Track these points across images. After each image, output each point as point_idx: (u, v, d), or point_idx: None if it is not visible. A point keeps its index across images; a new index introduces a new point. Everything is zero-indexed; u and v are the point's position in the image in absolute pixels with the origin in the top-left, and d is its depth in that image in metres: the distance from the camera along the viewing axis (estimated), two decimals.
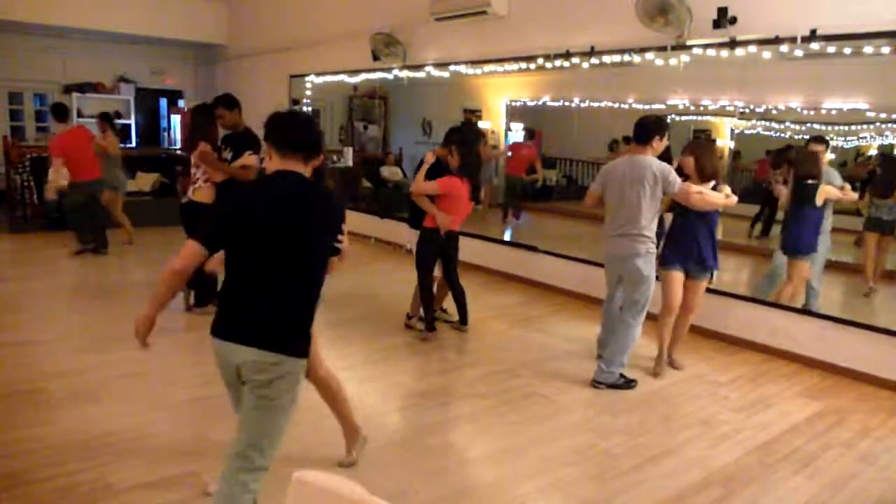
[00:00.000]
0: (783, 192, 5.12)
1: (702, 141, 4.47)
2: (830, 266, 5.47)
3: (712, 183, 4.26)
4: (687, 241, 4.31)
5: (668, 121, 4.56)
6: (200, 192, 5.03)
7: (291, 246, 2.16)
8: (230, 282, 2.23)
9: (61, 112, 7.45)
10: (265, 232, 2.14)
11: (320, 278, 2.26)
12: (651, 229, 4.16)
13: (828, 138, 5.23)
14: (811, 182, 4.83)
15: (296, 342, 2.21)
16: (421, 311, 5.12)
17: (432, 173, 4.83)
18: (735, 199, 4.27)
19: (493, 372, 4.45)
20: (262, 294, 2.15)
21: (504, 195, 8.69)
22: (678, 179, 4.10)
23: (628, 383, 4.27)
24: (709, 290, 5.48)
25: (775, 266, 5.26)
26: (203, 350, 4.92)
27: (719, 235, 6.28)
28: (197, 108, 5.43)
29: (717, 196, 4.20)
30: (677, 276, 4.36)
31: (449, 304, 5.44)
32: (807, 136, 5.84)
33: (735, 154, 6.40)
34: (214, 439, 3.29)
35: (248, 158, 5.00)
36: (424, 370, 4.50)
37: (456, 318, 5.30)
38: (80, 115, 11.04)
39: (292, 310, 2.19)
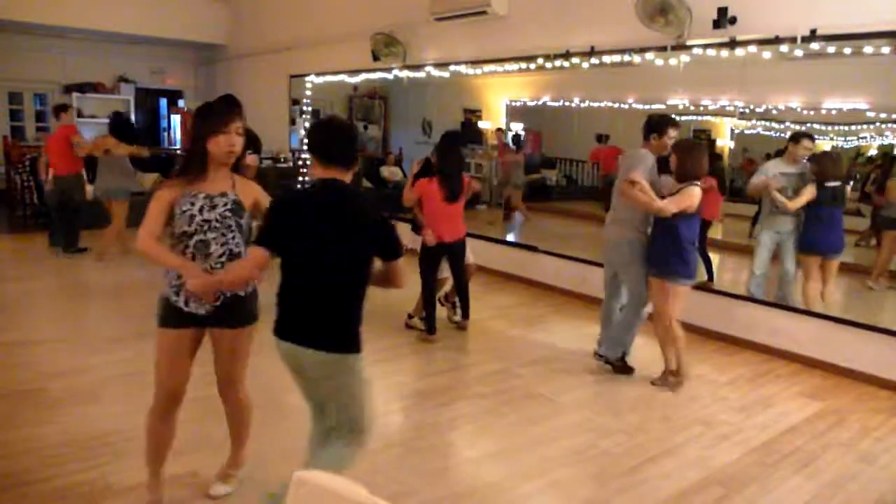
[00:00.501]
0: (756, 185, 5.11)
1: (688, 141, 4.41)
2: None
3: (696, 183, 4.05)
4: (653, 244, 4.21)
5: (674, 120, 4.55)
6: None
7: (334, 249, 2.26)
8: (285, 285, 2.33)
9: (56, 112, 7.47)
10: (312, 237, 2.26)
11: (366, 277, 2.34)
12: (637, 218, 4.20)
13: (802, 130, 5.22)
14: (835, 184, 4.88)
15: (348, 339, 2.30)
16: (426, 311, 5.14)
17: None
18: (672, 207, 3.93)
19: (493, 372, 4.45)
20: (315, 296, 2.28)
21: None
22: (629, 174, 4.06)
23: (625, 368, 4.36)
24: (709, 291, 5.51)
25: (787, 270, 5.18)
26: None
27: (719, 235, 6.26)
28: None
29: (641, 196, 4.01)
30: (651, 281, 4.25)
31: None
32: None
33: (743, 152, 6.42)
34: (215, 438, 3.28)
35: (249, 158, 5.04)
36: (424, 370, 4.50)
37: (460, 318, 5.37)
38: (80, 115, 11.03)
39: (340, 310, 2.30)
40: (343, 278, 2.28)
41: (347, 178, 2.36)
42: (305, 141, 2.39)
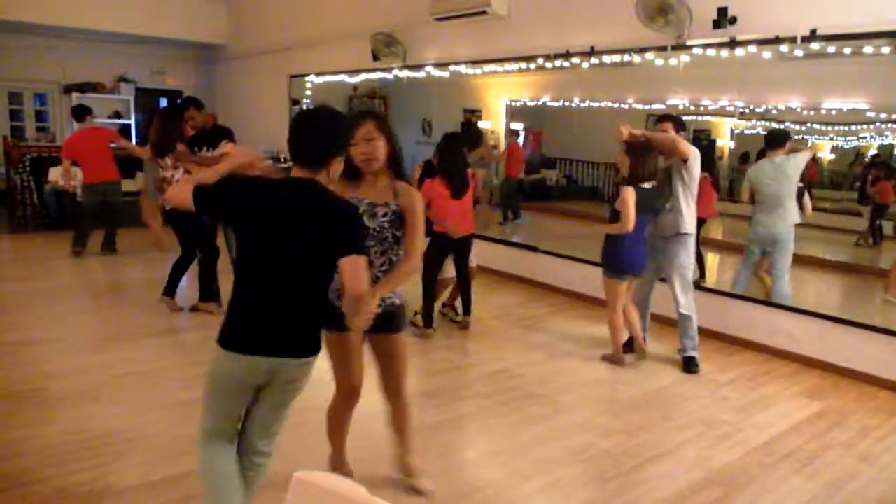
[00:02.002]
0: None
1: (640, 143, 4.43)
2: (830, 266, 5.48)
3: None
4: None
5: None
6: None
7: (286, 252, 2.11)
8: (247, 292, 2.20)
9: (77, 113, 7.50)
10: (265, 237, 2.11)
11: (325, 283, 2.21)
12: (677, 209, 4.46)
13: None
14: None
15: (312, 343, 2.24)
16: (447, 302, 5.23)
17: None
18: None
19: (494, 372, 4.45)
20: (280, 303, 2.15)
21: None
22: None
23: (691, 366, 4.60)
24: (708, 290, 5.51)
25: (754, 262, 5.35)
26: (203, 350, 4.95)
27: (719, 235, 6.27)
28: (166, 110, 5.51)
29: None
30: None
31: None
32: (807, 136, 5.84)
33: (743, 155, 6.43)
34: None
35: (228, 147, 5.16)
36: (425, 370, 4.50)
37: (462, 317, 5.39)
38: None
39: (305, 314, 2.19)
40: (304, 285, 2.15)
41: (323, 177, 2.14)
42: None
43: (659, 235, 4.55)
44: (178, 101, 5.57)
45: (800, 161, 5.09)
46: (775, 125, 5.66)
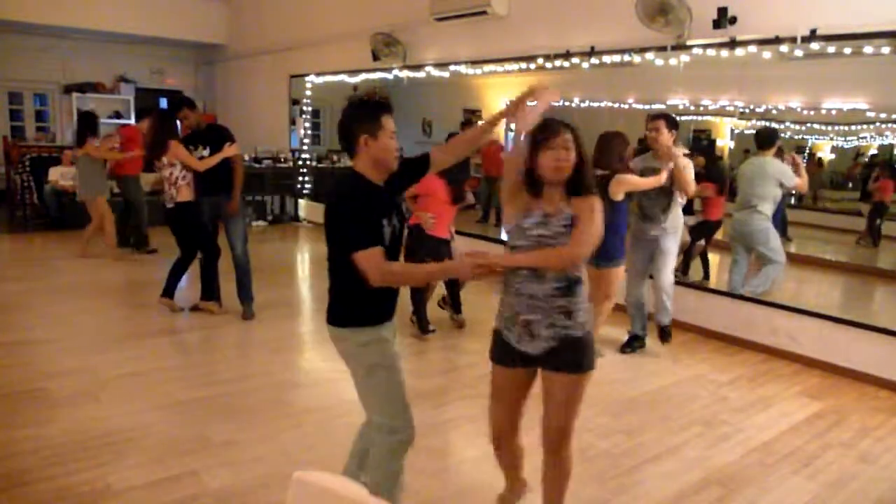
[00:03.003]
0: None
1: (606, 134, 4.45)
2: (830, 266, 5.48)
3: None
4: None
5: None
6: (182, 191, 5.16)
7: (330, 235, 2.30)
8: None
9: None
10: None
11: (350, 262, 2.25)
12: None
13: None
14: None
15: (340, 314, 2.35)
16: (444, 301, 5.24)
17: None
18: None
19: None
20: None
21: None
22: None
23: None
24: (708, 290, 5.51)
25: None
26: (203, 350, 4.96)
27: (720, 235, 6.27)
28: (161, 112, 5.55)
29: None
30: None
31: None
32: (807, 136, 5.85)
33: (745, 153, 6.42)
34: (214, 439, 3.29)
35: (232, 148, 5.23)
36: (424, 370, 4.50)
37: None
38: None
39: (338, 289, 2.36)
40: (337, 260, 2.31)
41: (358, 164, 2.30)
42: None
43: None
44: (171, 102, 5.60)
45: (782, 166, 5.04)
46: (775, 125, 5.66)
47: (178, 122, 5.34)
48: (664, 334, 4.89)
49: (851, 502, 3.03)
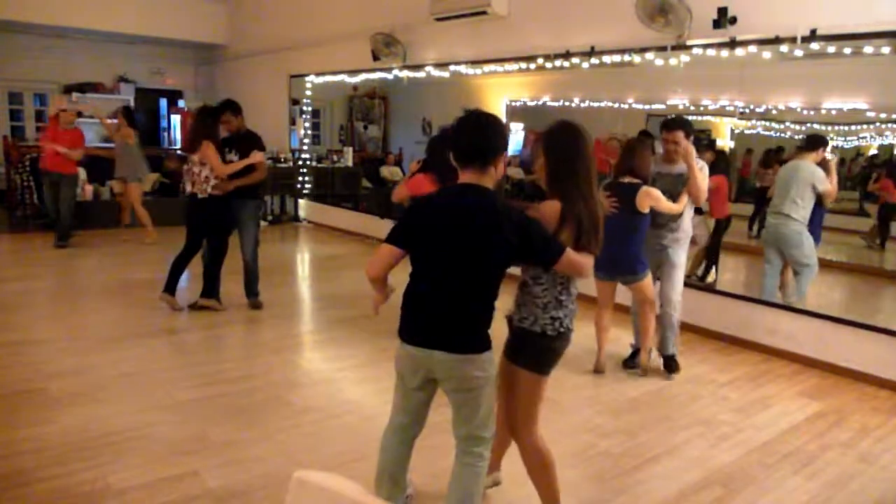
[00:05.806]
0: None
1: (639, 140, 4.38)
2: (830, 266, 5.47)
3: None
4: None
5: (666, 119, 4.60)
6: (216, 187, 5.28)
7: (462, 256, 2.24)
8: (415, 288, 2.33)
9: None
10: (443, 243, 2.24)
11: (495, 285, 2.35)
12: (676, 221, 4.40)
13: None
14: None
15: (476, 339, 2.30)
16: None
17: None
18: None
19: None
20: (446, 299, 2.26)
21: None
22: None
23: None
24: (708, 290, 5.51)
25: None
26: (203, 350, 4.96)
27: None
28: (202, 109, 5.58)
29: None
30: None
31: None
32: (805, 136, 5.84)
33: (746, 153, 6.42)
34: (214, 439, 3.29)
35: (258, 156, 5.36)
36: None
37: None
38: (80, 115, 11.01)
39: (470, 311, 2.30)
40: (471, 282, 2.28)
41: (486, 181, 2.26)
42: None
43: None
44: (217, 103, 5.71)
45: (816, 170, 5.00)
46: (775, 125, 5.66)
47: (219, 124, 5.44)
48: (670, 366, 4.55)
49: (851, 502, 3.03)
